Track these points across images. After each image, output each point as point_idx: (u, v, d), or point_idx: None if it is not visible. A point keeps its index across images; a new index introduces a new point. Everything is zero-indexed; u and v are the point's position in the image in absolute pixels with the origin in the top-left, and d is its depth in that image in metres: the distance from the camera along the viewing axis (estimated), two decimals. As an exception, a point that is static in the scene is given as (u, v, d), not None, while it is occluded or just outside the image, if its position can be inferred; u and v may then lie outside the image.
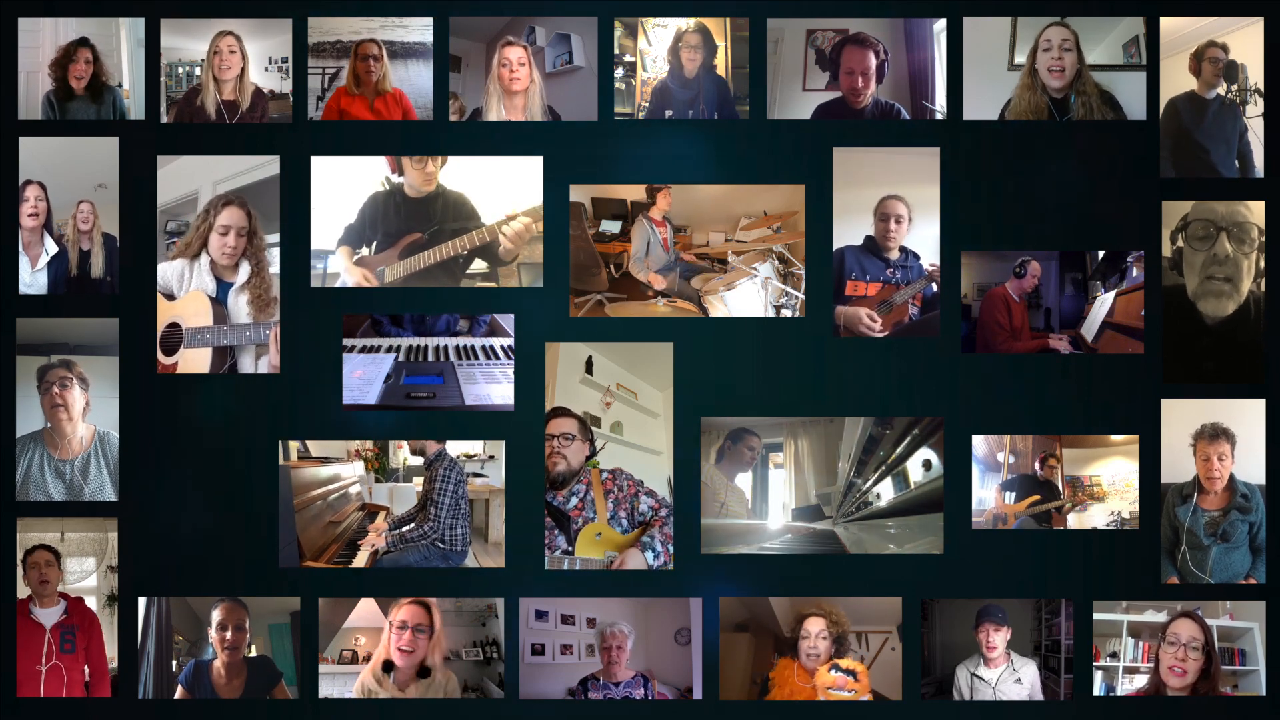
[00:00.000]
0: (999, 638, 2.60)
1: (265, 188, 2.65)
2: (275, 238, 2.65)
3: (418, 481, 2.67)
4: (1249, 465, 2.62)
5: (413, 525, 2.65)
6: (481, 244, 2.64)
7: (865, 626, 2.63)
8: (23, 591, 2.65)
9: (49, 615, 2.65)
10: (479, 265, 2.66)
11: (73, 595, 2.66)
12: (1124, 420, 2.61)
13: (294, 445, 2.62)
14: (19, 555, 2.64)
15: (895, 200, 2.63)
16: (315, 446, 2.64)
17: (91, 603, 2.66)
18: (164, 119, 2.66)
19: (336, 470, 2.67)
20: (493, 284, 2.65)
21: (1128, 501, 2.62)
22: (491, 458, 2.63)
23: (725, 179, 2.64)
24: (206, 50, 2.65)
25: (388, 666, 2.60)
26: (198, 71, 2.66)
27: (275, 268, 2.65)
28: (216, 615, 2.62)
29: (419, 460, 2.66)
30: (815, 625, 2.60)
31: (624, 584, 2.62)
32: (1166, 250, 2.62)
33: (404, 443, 2.66)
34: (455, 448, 2.64)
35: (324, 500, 2.66)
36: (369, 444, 2.65)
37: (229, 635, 2.61)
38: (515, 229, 2.63)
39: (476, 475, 2.64)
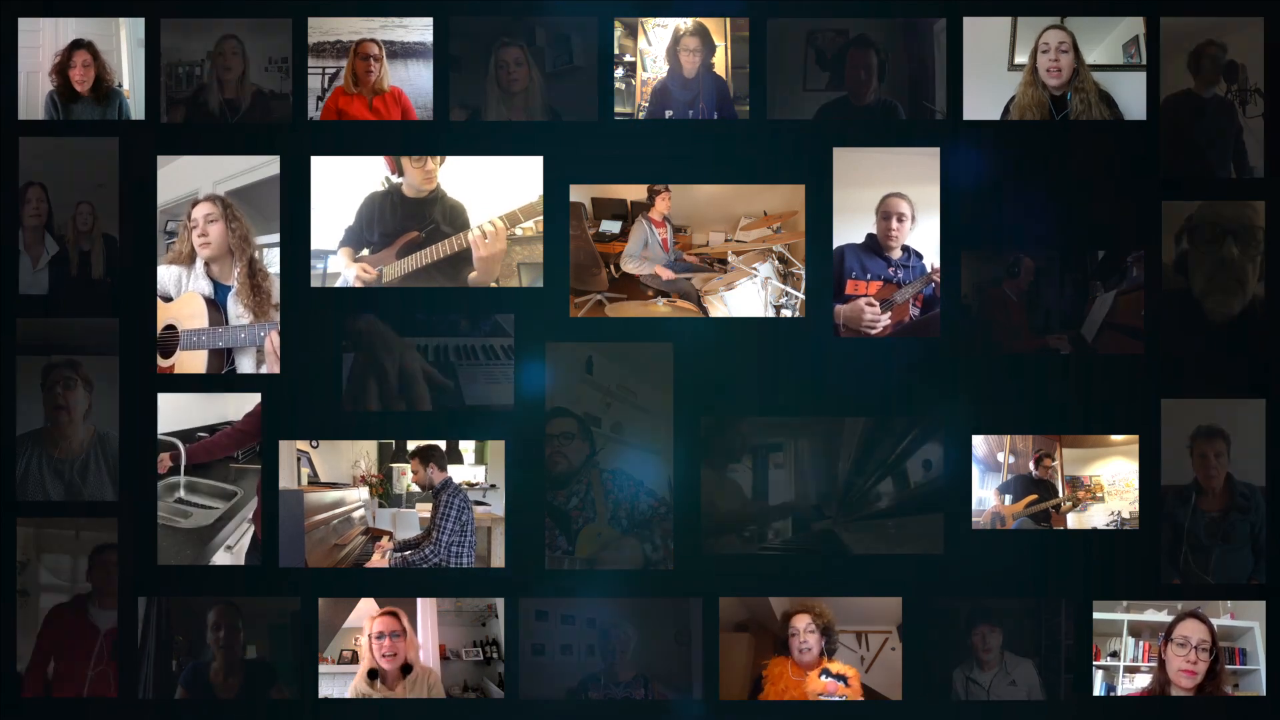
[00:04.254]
0: (994, 639, 2.60)
1: (265, 188, 2.65)
2: (275, 238, 2.65)
3: (421, 507, 2.67)
4: (1249, 465, 2.62)
5: (416, 549, 2.65)
6: (452, 252, 2.64)
7: (865, 626, 2.63)
8: (83, 588, 2.64)
9: (106, 618, 2.64)
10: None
11: None
12: (1124, 420, 2.62)
13: (304, 471, 2.63)
14: (88, 552, 2.63)
15: (898, 198, 2.63)
16: (322, 469, 2.64)
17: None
18: (164, 119, 2.65)
19: (341, 495, 2.67)
20: (493, 284, 2.65)
21: (1128, 501, 2.62)
22: (493, 486, 2.63)
23: (725, 179, 2.64)
24: (210, 50, 2.65)
25: (373, 674, 2.61)
26: (198, 71, 2.66)
27: (275, 269, 2.65)
28: (211, 616, 2.62)
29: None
30: (801, 621, 2.60)
31: (624, 584, 2.62)
32: (1171, 252, 2.62)
33: (407, 469, 2.66)
34: (456, 476, 2.66)
35: (329, 525, 2.65)
36: (374, 470, 2.65)
37: (222, 635, 2.61)
38: (486, 229, 2.62)
39: (478, 504, 2.64)
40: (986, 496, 2.63)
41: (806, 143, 2.62)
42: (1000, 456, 2.64)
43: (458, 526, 2.64)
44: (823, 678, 2.59)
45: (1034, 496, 2.63)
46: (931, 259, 2.63)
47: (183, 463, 2.62)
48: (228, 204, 2.65)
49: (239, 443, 2.63)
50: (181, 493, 2.63)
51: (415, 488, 2.67)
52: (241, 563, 2.61)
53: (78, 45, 2.66)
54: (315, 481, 2.64)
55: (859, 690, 2.60)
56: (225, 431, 2.63)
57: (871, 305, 2.63)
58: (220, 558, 2.63)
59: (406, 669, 2.61)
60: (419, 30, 2.65)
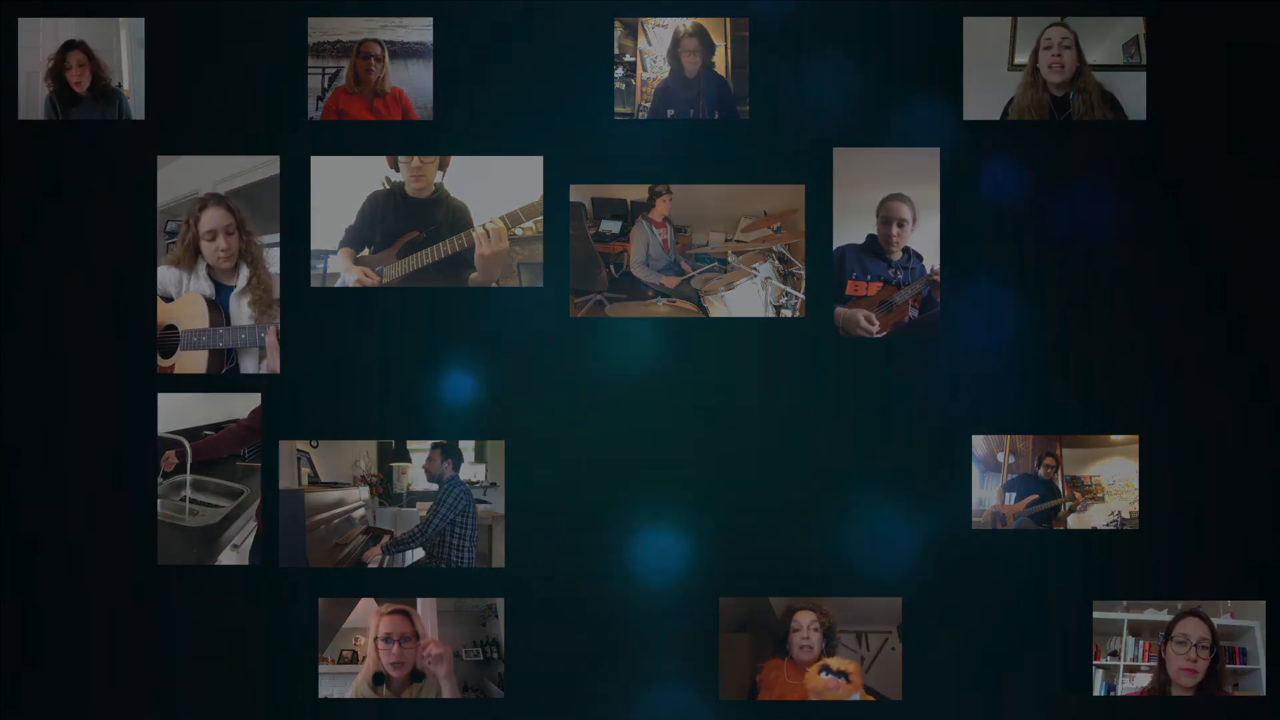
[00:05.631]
0: None
1: (265, 188, 2.65)
2: (275, 238, 2.65)
3: (421, 506, 2.68)
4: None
5: (410, 530, 2.67)
6: (453, 252, 2.64)
7: (865, 626, 2.64)
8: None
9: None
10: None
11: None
12: (1124, 420, 2.61)
13: (304, 471, 2.63)
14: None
15: (898, 202, 2.63)
16: (322, 469, 2.65)
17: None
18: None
19: (342, 494, 2.68)
20: (494, 284, 2.66)
21: (1128, 501, 2.62)
22: (493, 484, 2.64)
23: (725, 179, 2.64)
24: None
25: (379, 679, 2.61)
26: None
27: (275, 268, 2.65)
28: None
29: (427, 484, 2.67)
30: (806, 618, 2.60)
31: (624, 583, 2.64)
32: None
33: (407, 468, 2.66)
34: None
35: (330, 524, 2.66)
36: (374, 469, 2.66)
37: None
38: (490, 228, 2.62)
39: (479, 502, 2.65)
40: (986, 496, 2.63)
41: (806, 143, 2.62)
42: (1000, 456, 2.64)
43: (451, 514, 2.64)
44: (822, 674, 2.59)
45: (1035, 496, 2.64)
46: (931, 261, 2.63)
47: (188, 460, 2.63)
48: (234, 208, 2.64)
49: (244, 439, 2.63)
50: (188, 490, 2.64)
51: (422, 476, 2.66)
52: (247, 561, 2.62)
53: (70, 46, 2.65)
54: (315, 481, 2.65)
55: (860, 684, 2.60)
56: (230, 428, 2.64)
57: (871, 322, 2.62)
58: (226, 556, 2.64)
59: (417, 676, 2.62)
60: (419, 30, 2.65)
